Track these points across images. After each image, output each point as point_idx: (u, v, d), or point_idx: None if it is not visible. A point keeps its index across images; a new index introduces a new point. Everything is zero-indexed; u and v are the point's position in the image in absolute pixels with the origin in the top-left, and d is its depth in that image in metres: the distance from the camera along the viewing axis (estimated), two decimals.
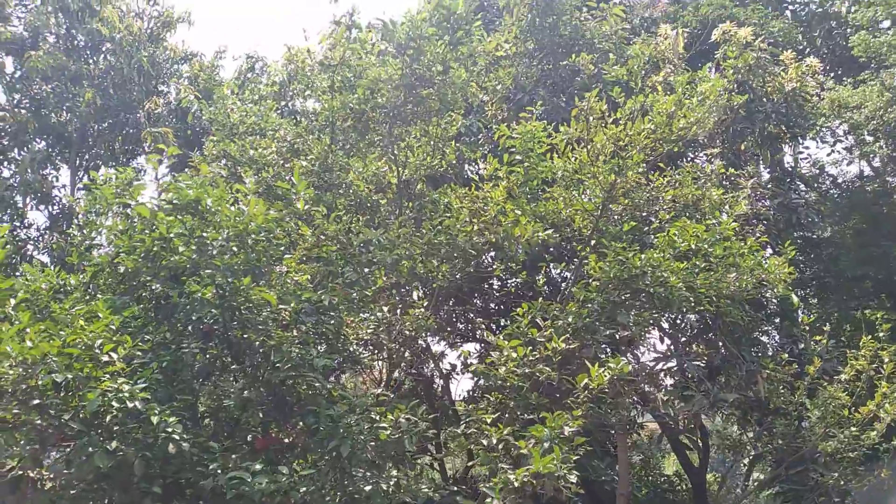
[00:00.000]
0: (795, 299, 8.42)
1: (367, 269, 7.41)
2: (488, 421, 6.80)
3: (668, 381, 12.22)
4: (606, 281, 7.74)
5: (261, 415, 7.95)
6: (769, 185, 12.31)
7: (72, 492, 6.46)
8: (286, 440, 8.35)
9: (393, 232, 7.76)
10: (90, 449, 6.14)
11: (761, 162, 14.17)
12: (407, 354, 8.37)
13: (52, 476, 6.43)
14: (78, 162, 18.62)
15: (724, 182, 10.50)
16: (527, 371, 6.82)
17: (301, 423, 7.52)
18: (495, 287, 16.77)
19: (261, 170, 9.46)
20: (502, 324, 17.13)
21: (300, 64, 10.13)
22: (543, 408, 6.95)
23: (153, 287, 8.23)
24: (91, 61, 18.54)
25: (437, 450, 13.13)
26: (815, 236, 13.49)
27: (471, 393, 15.86)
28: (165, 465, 6.76)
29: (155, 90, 19.23)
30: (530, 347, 7.00)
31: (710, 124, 8.04)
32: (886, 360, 8.22)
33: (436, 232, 7.94)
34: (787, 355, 8.99)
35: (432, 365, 14.90)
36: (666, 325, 10.46)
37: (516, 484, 5.40)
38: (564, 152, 8.58)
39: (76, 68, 17.52)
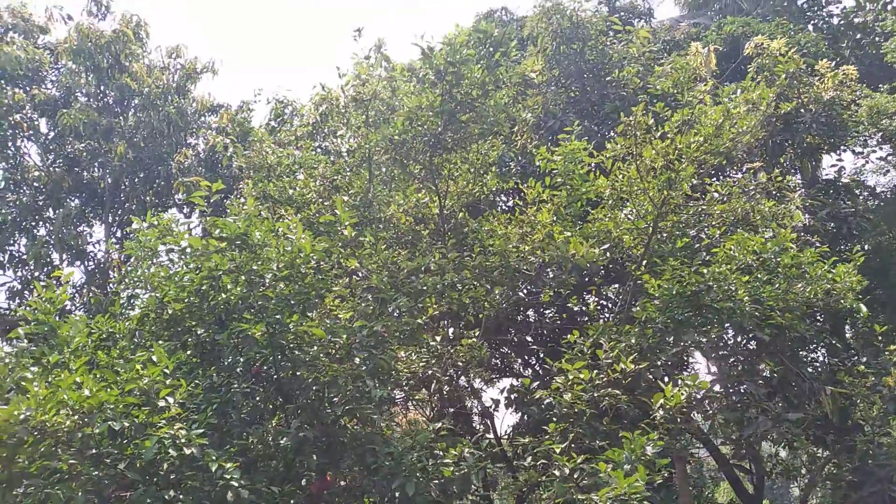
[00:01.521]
0: (864, 309, 8.02)
1: (417, 299, 7.18)
2: (557, 451, 6.47)
3: (716, 405, 11.74)
4: (668, 299, 7.44)
5: (314, 457, 7.68)
6: (819, 196, 11.98)
7: None
8: (341, 482, 8.06)
9: (441, 259, 7.55)
10: (148, 500, 5.91)
11: (800, 174, 13.87)
12: (460, 384, 8.05)
13: None
14: (111, 218, 18.79)
15: (771, 194, 10.20)
16: (595, 395, 6.50)
17: (358, 464, 7.23)
18: (531, 319, 16.47)
19: (300, 208, 9.37)
20: (541, 356, 16.81)
21: (334, 101, 10.09)
22: (612, 434, 6.60)
23: (198, 332, 8.12)
24: (121, 117, 18.84)
25: (484, 488, 12.69)
26: (867, 247, 13.06)
27: (516, 428, 15.43)
28: None
29: (184, 141, 19.47)
30: (595, 371, 6.70)
31: (760, 133, 7.80)
32: None
33: (488, 255, 7.70)
34: (863, 367, 8.57)
35: (471, 401, 14.51)
36: (706, 347, 10.06)
37: None
38: (612, 171, 8.38)
39: (107, 123, 17.79)
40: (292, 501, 6.81)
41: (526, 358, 17.64)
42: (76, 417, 5.70)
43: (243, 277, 6.88)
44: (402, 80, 8.09)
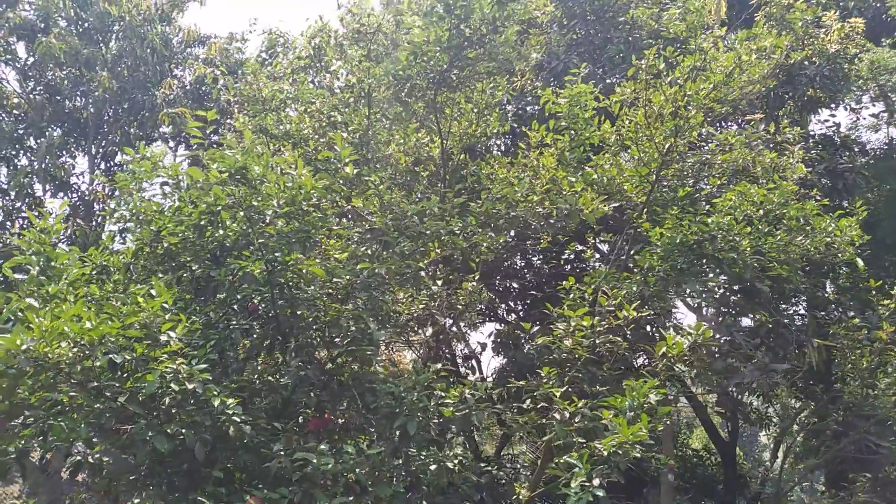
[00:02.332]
0: (861, 263, 8.08)
1: (419, 242, 7.08)
2: (557, 394, 6.52)
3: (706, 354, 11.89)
4: (670, 248, 7.42)
5: (312, 395, 7.69)
6: (817, 150, 11.94)
7: (131, 477, 6.23)
8: (340, 420, 8.11)
9: (447, 203, 7.43)
10: (149, 433, 5.89)
11: (799, 127, 13.78)
12: (455, 329, 8.04)
13: (109, 461, 6.17)
14: (94, 150, 18.31)
15: (771, 147, 10.13)
16: (596, 342, 6.52)
17: (358, 402, 7.26)
18: (518, 265, 16.46)
19: (297, 144, 9.14)
20: (527, 302, 16.88)
21: (332, 34, 9.73)
22: (610, 381, 6.66)
23: (193, 268, 8.00)
24: (102, 45, 18.17)
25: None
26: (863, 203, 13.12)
27: (501, 372, 15.62)
28: (224, 449, 6.54)
29: (169, 72, 18.89)
30: (597, 318, 6.71)
31: (771, 83, 7.66)
32: None
33: (494, 201, 7.59)
34: (857, 320, 8.69)
35: (459, 344, 14.62)
36: (708, 297, 10.10)
37: (605, 453, 5.12)
38: (619, 115, 8.23)
39: (89, 53, 17.15)
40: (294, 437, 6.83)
41: (510, 304, 17.76)
42: (76, 350, 5.62)
43: (242, 213, 6.73)
44: (407, 13, 7.78)
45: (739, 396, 11.49)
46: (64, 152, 17.69)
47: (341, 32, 9.95)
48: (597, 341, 6.53)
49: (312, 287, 6.82)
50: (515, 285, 16.99)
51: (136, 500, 6.18)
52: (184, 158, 17.59)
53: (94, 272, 7.47)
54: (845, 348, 8.80)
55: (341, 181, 6.71)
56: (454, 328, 12.08)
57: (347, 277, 6.55)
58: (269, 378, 7.27)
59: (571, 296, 7.44)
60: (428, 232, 7.03)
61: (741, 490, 18.29)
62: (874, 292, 8.76)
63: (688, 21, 8.27)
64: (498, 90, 8.69)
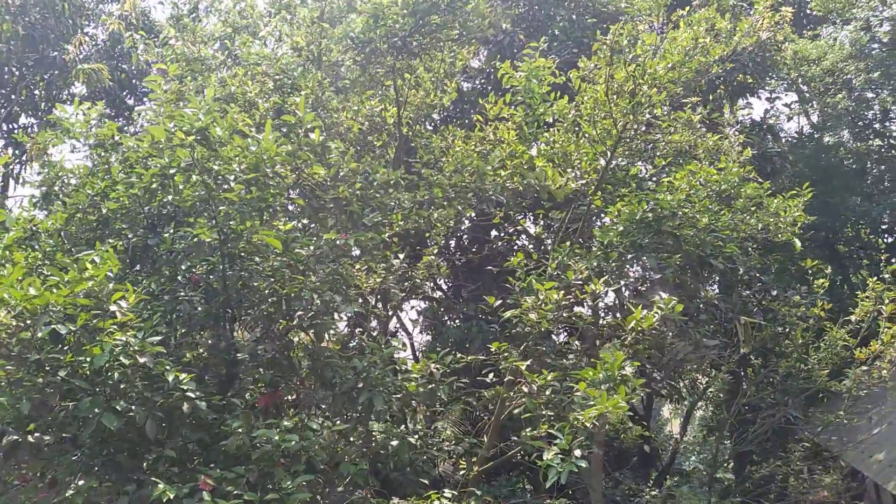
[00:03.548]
0: (798, 243, 8.44)
1: (385, 214, 6.83)
2: (523, 367, 6.48)
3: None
4: (629, 224, 7.49)
5: (262, 370, 7.35)
6: (746, 134, 12.40)
7: (73, 457, 5.74)
8: (289, 397, 7.80)
9: (411, 175, 7.20)
10: (95, 409, 5.43)
11: (730, 112, 14.31)
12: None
13: (51, 441, 5.67)
14: None
15: (713, 129, 10.44)
16: (564, 315, 6.51)
17: (315, 378, 6.98)
18: (448, 241, 16.41)
19: (244, 108, 8.64)
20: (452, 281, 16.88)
21: None
22: (581, 354, 6.68)
23: (129, 235, 7.47)
24: None
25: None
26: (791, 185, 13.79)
27: (430, 347, 15.57)
28: (176, 426, 6.14)
29: (80, 28, 17.54)
30: (563, 292, 6.69)
31: (728, 65, 7.82)
32: (886, 302, 8.43)
33: (461, 174, 7.41)
34: (798, 297, 9.10)
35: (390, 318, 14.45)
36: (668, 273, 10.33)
37: (588, 425, 5.11)
38: (580, 91, 8.21)
39: None
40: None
41: (437, 281, 17.73)
42: (15, 319, 5.09)
43: (196, 177, 6.27)
44: None
45: (674, 372, 11.88)
46: None
47: None
48: (564, 314, 6.52)
49: (274, 258, 6.45)
50: (444, 260, 16.95)
51: (79, 483, 5.71)
52: (98, 118, 16.42)
53: (22, 238, 6.84)
54: (779, 325, 9.23)
55: (306, 148, 6.35)
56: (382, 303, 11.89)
57: (312, 248, 6.22)
58: (221, 353, 6.87)
59: (524, 270, 7.39)
60: (392, 203, 6.79)
61: (653, 462, 19.10)
62: (810, 272, 9.20)
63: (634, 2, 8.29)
64: (458, 60, 8.48)
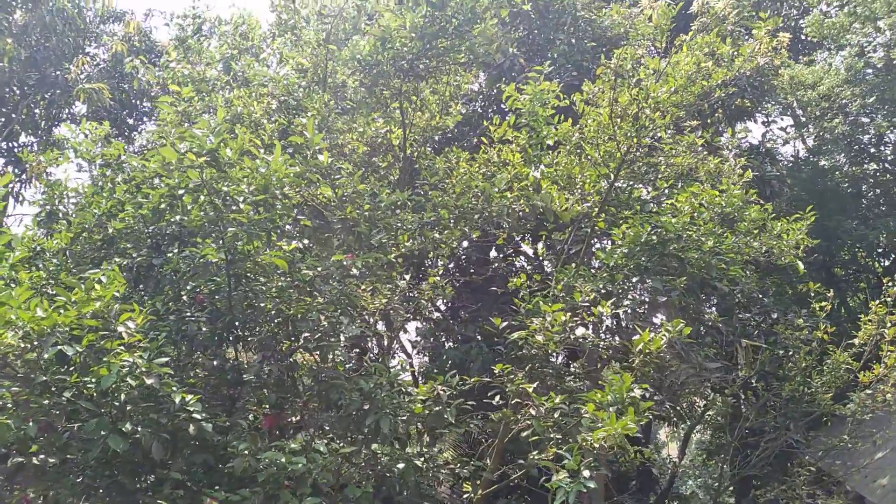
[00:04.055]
0: (801, 266, 8.48)
1: (392, 234, 6.83)
2: (530, 390, 6.46)
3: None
4: (633, 246, 7.52)
5: (265, 391, 7.31)
6: (745, 157, 12.49)
7: (78, 479, 5.68)
8: (293, 418, 7.75)
9: (417, 196, 7.22)
10: (101, 431, 5.38)
11: (730, 135, 14.41)
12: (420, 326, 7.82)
13: (55, 463, 5.60)
14: None
15: (706, 153, 10.51)
16: (570, 338, 6.51)
17: (321, 400, 6.93)
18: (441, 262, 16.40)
19: (250, 129, 8.68)
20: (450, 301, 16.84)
21: (286, 16, 9.26)
22: (585, 376, 6.66)
23: (133, 255, 7.47)
24: (5, 13, 16.71)
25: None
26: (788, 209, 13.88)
27: (428, 369, 15.49)
28: (182, 448, 6.08)
29: (81, 49, 17.63)
30: (569, 314, 6.69)
31: (731, 89, 7.91)
32: (889, 325, 8.45)
33: (466, 196, 7.43)
34: (801, 321, 9.12)
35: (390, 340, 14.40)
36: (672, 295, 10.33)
37: (596, 445, 5.09)
38: (584, 114, 8.28)
39: None
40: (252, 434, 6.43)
41: (433, 301, 17.69)
42: (22, 342, 5.05)
43: (203, 198, 6.28)
44: None
45: (677, 394, 11.83)
46: None
47: (273, 18, 9.52)
48: (571, 337, 6.51)
49: (280, 278, 6.45)
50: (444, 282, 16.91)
51: None
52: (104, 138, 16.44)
53: (27, 258, 6.82)
54: (780, 348, 9.23)
55: (314, 169, 6.37)
56: (385, 324, 11.85)
57: (319, 269, 6.22)
58: (225, 374, 6.83)
59: (527, 291, 7.39)
60: (399, 224, 6.80)
61: (652, 486, 18.96)
62: (812, 294, 9.22)
63: (656, 22, 8.38)
64: (463, 83, 8.55)
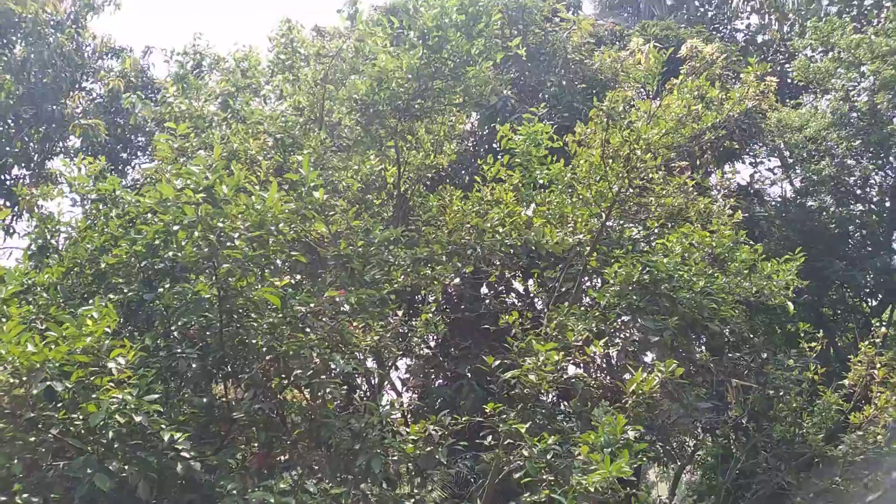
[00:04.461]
0: (791, 307, 8.55)
1: (385, 270, 6.86)
2: (522, 430, 6.42)
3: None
4: (626, 285, 7.57)
5: (254, 429, 7.24)
6: (737, 199, 12.67)
7: None
8: (281, 458, 7.66)
9: (410, 231, 7.27)
10: (88, 469, 5.30)
11: (715, 176, 14.62)
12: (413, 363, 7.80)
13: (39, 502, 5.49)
14: None
15: (703, 193, 10.67)
16: (564, 377, 6.50)
17: (310, 439, 6.86)
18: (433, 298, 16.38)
19: (246, 165, 8.75)
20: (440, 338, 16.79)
21: (285, 55, 9.40)
22: (577, 416, 6.64)
23: (125, 290, 7.43)
24: (6, 48, 16.86)
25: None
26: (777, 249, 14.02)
27: (417, 409, 15.34)
28: (169, 487, 5.98)
29: (79, 82, 17.77)
30: (562, 353, 6.69)
31: (721, 132, 8.07)
32: (878, 366, 8.50)
33: (459, 231, 7.49)
34: (792, 361, 9.15)
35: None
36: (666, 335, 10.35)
37: (591, 489, 5.05)
38: (576, 155, 8.40)
39: None
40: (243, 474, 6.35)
41: (424, 338, 17.61)
42: (11, 378, 5.00)
43: (198, 234, 6.29)
44: (377, 36, 7.63)
45: (668, 434, 11.79)
46: None
47: (271, 57, 9.70)
48: (564, 376, 6.50)
49: (273, 314, 6.44)
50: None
51: None
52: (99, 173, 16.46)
53: (18, 292, 6.78)
54: (771, 388, 9.25)
55: (310, 206, 6.42)
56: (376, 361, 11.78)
57: (312, 305, 6.22)
58: (214, 411, 6.76)
59: (519, 329, 7.40)
60: (393, 260, 6.83)
61: None
62: (801, 334, 9.28)
63: (647, 67, 8.58)
64: (458, 123, 8.68)
